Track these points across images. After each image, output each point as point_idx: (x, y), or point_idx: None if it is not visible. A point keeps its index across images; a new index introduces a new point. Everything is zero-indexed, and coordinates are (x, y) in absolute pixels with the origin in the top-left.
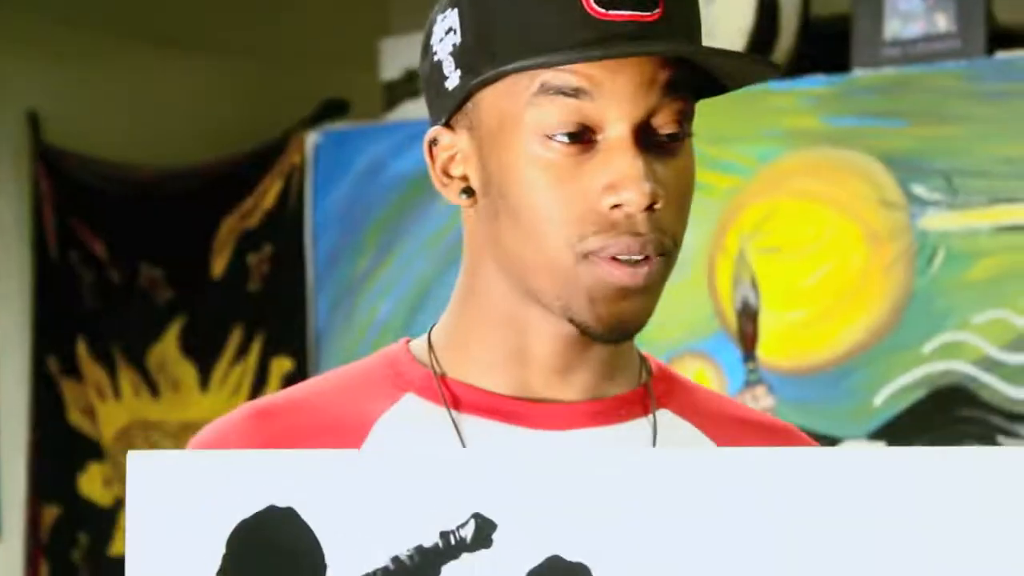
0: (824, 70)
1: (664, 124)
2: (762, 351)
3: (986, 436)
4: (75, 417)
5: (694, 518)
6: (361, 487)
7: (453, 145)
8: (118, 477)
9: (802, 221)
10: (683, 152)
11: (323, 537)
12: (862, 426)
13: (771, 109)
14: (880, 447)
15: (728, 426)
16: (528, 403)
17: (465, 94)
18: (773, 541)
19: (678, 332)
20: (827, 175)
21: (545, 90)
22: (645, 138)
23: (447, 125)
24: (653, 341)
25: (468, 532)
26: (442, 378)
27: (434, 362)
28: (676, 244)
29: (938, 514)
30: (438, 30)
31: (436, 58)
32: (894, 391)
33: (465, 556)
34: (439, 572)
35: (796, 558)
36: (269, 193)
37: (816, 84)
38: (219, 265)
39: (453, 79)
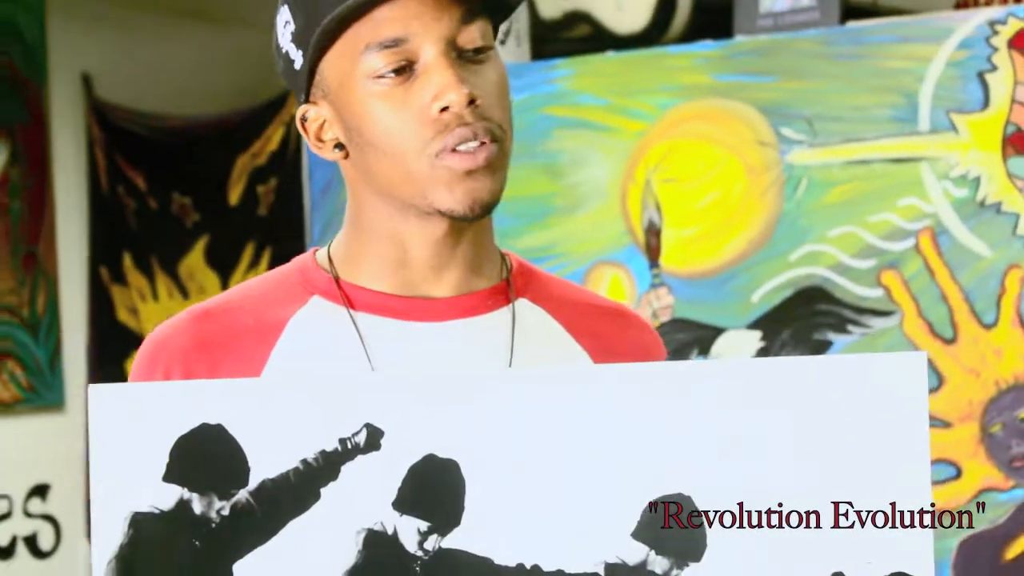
0: (712, 36)
1: (468, 42)
2: (664, 260)
3: (839, 326)
4: (122, 315)
5: (547, 423)
6: (276, 407)
7: (319, 116)
8: None
9: (695, 157)
10: (490, 61)
11: (246, 446)
12: (742, 319)
13: (670, 68)
14: (755, 334)
15: (573, 309)
16: (410, 300)
17: (310, 67)
18: (612, 439)
19: (598, 246)
20: (714, 120)
21: (369, 47)
22: (455, 55)
23: (308, 101)
24: (578, 252)
25: (361, 438)
26: (341, 283)
27: (334, 271)
28: (504, 131)
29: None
30: (279, 25)
31: (283, 50)
32: (767, 291)
33: (359, 458)
34: (339, 471)
35: (632, 453)
36: (273, 138)
37: (705, 48)
38: (235, 195)
39: (298, 60)
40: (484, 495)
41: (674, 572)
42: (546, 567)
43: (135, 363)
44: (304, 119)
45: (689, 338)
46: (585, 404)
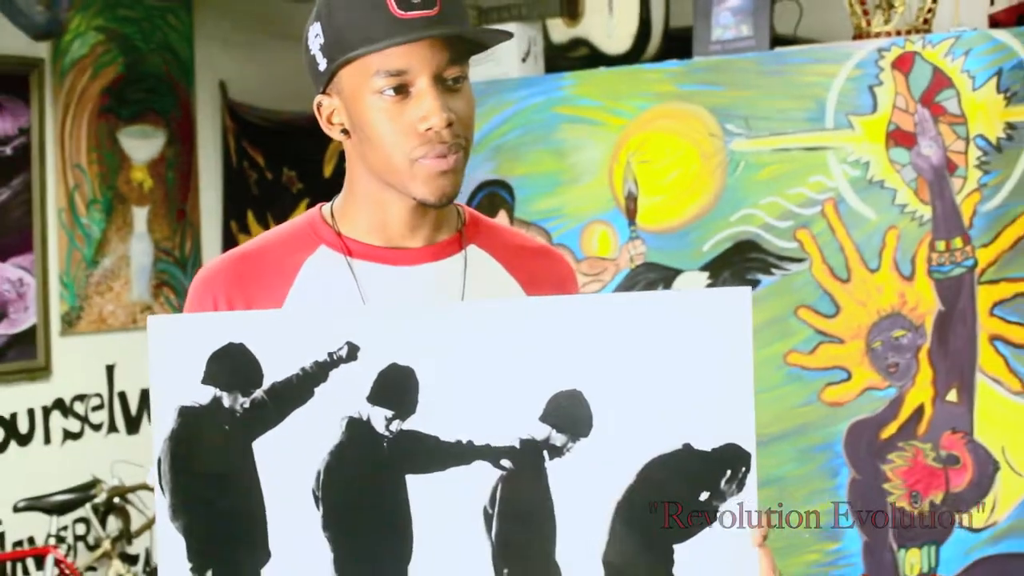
0: (677, 57)
1: (451, 75)
2: (639, 220)
3: (765, 269)
4: None
5: (480, 339)
6: (283, 330)
7: (331, 106)
8: None
9: (663, 145)
10: (464, 88)
11: (261, 358)
12: (696, 263)
13: (646, 80)
14: (704, 275)
15: (510, 251)
16: (392, 250)
17: (330, 74)
18: (526, 350)
19: (591, 209)
20: (677, 118)
21: (378, 72)
22: (440, 85)
23: (325, 93)
24: (577, 213)
25: (343, 352)
26: (340, 236)
27: (336, 225)
28: (468, 141)
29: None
30: (310, 35)
31: (312, 53)
32: (714, 242)
33: (342, 366)
34: (328, 375)
35: (541, 360)
36: None
37: (671, 65)
38: (328, 169)
39: (322, 64)
40: (433, 391)
41: (569, 444)
42: (477, 442)
43: (190, 292)
44: (320, 105)
45: (657, 277)
46: (509, 326)
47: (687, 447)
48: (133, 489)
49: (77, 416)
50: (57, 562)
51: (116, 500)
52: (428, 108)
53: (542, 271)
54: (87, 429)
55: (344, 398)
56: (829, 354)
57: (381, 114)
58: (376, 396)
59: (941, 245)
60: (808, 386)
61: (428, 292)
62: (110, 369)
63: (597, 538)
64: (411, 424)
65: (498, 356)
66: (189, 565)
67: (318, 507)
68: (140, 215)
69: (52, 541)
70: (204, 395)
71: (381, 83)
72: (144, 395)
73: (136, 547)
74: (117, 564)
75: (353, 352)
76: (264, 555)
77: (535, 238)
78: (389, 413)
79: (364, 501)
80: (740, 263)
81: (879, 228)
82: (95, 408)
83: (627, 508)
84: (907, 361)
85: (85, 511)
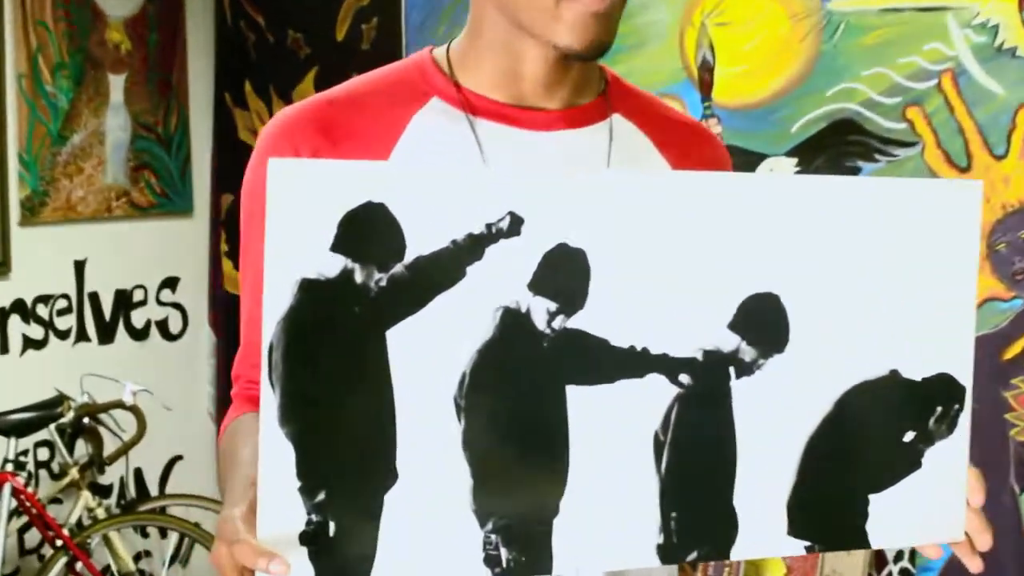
0: None
1: None
2: (715, 94)
3: (867, 154)
4: (243, 135)
5: (666, 224)
6: (434, 192)
7: None
8: None
9: (745, 4)
10: None
11: (405, 225)
12: (782, 147)
13: None
14: (791, 161)
15: (658, 123)
16: (523, 110)
17: None
18: (716, 241)
19: (659, 80)
20: None
21: None
22: None
23: None
24: (641, 85)
25: (504, 224)
26: (459, 88)
27: (453, 75)
28: None
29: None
30: None
31: None
32: (804, 122)
33: (501, 242)
34: (483, 252)
35: (731, 255)
36: None
37: None
38: (341, 31)
39: None
40: (605, 284)
41: (760, 361)
42: (653, 350)
43: (262, 141)
44: None
45: (735, 163)
46: (697, 209)
47: (894, 374)
48: (106, 408)
49: (40, 321)
50: (15, 492)
51: (86, 421)
52: None
53: (695, 153)
54: (51, 336)
55: (499, 283)
56: None
57: None
58: (539, 283)
59: None
60: None
61: (565, 165)
62: (79, 266)
63: (783, 479)
64: (577, 322)
65: (687, 245)
66: (298, 484)
67: (459, 419)
68: (116, 83)
69: (9, 468)
70: (332, 266)
71: None
72: (120, 297)
73: (109, 476)
74: (86, 496)
75: (516, 225)
76: (390, 476)
77: (685, 112)
78: (553, 306)
79: (514, 415)
80: (837, 147)
81: (1008, 106)
82: (61, 312)
83: (821, 444)
84: None
85: (49, 433)
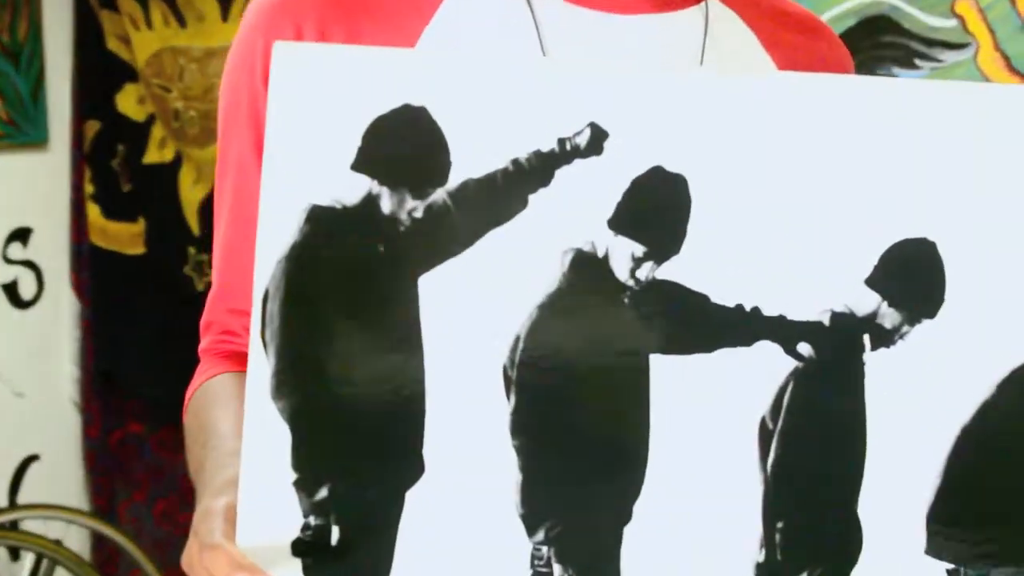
0: None
1: None
2: None
3: (905, 59)
4: (113, 44)
5: (791, 146)
6: (491, 93)
7: None
8: (151, 96)
9: None
10: None
11: (451, 137)
12: None
13: None
14: None
15: (763, 14)
16: None
17: None
18: (854, 169)
19: None
20: None
21: None
22: None
23: None
24: None
25: (583, 139)
26: None
27: None
28: None
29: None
30: None
31: None
32: (828, 19)
33: (577, 162)
34: (552, 175)
35: (874, 187)
36: None
37: None
38: None
39: None
40: (710, 222)
41: (904, 328)
42: (767, 311)
43: (254, 8)
44: None
45: None
46: (830, 127)
47: None
48: None
49: None
50: None
51: None
52: None
53: (807, 51)
54: None
55: (572, 217)
56: None
57: None
58: (624, 219)
59: None
60: None
61: (649, 55)
62: None
63: (924, 483)
64: (669, 271)
65: (814, 175)
66: (293, 476)
67: (509, 395)
68: None
69: None
70: (352, 190)
71: None
72: None
73: None
74: None
75: (598, 141)
76: (414, 468)
77: (799, 4)
78: (640, 249)
79: (581, 392)
80: (867, 50)
81: None
82: None
83: (976, 438)
84: None
85: None
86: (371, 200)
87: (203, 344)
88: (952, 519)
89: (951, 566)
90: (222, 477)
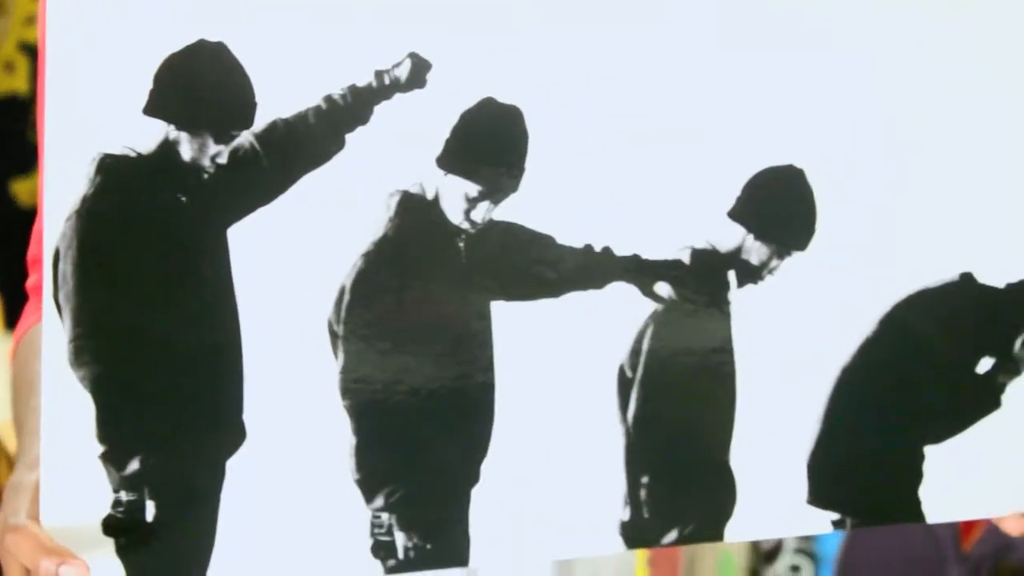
0: None
1: None
2: None
3: None
4: None
5: (638, 64)
6: (294, 24)
7: None
8: None
9: None
10: None
11: (254, 74)
12: None
13: None
14: None
15: None
16: None
17: None
18: (711, 90)
19: None
20: None
21: None
22: None
23: None
24: None
25: (402, 72)
26: None
27: None
28: None
29: None
30: None
31: None
32: None
33: (398, 96)
34: (371, 112)
35: (734, 110)
36: None
37: None
38: None
39: None
40: (550, 155)
41: (773, 263)
42: (619, 251)
43: None
44: None
45: None
46: (684, 41)
47: (966, 280)
48: None
49: None
50: None
51: None
52: None
53: None
54: None
55: (395, 157)
56: None
57: None
58: (454, 156)
59: None
60: None
61: None
62: None
63: (802, 428)
64: (508, 211)
65: (667, 96)
66: (99, 449)
67: (336, 352)
68: None
69: None
70: (147, 136)
71: None
72: None
73: None
74: None
75: (419, 73)
76: (234, 434)
77: None
78: (474, 189)
79: (416, 345)
80: None
81: None
82: None
83: (857, 379)
84: None
85: None
86: (168, 147)
87: (30, 281)
88: (835, 466)
89: (837, 516)
90: (38, 447)
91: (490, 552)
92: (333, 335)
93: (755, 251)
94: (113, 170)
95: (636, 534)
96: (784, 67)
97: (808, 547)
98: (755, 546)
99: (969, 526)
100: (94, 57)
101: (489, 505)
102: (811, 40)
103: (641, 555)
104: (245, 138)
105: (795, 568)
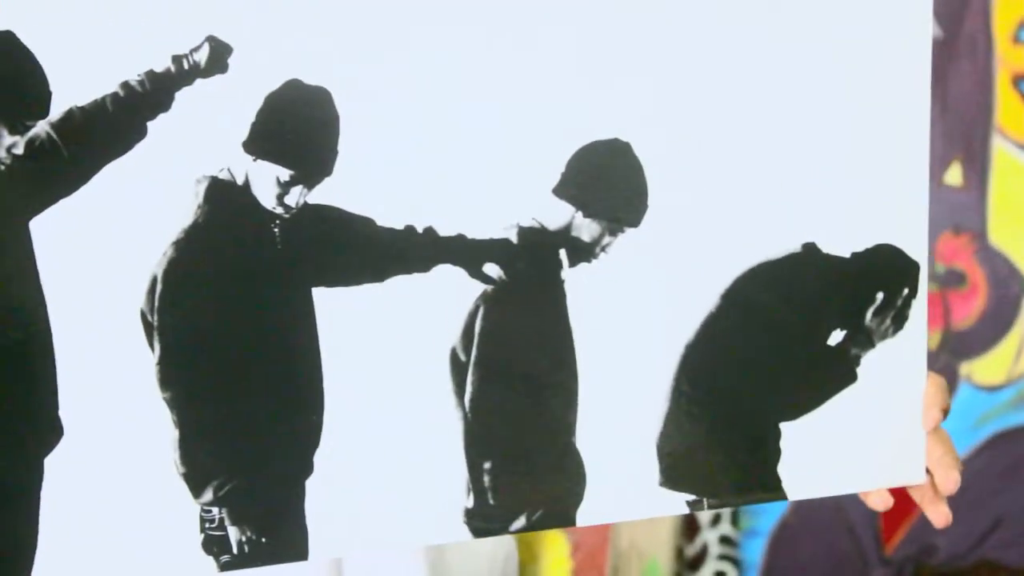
0: None
1: None
2: None
3: None
4: None
5: (454, 26)
6: (86, 6)
7: None
8: None
9: None
10: None
11: (46, 62)
12: None
13: None
14: None
15: None
16: None
17: None
18: (535, 55)
19: None
20: None
21: None
22: None
23: None
24: None
25: (201, 56)
26: None
27: None
28: None
29: None
30: None
31: None
32: None
33: (199, 82)
34: (172, 99)
35: (559, 80)
36: None
37: None
38: None
39: None
40: (365, 137)
41: (605, 240)
42: (443, 230)
43: None
44: None
45: None
46: (505, 8)
47: (810, 249)
48: None
49: None
50: None
51: None
52: None
53: None
54: None
55: (201, 143)
56: None
57: None
58: (261, 141)
59: None
60: None
61: None
62: None
63: (648, 409)
64: (323, 195)
65: (488, 64)
66: None
67: (152, 344)
68: None
69: None
70: None
71: None
72: None
73: None
74: None
75: (220, 56)
76: (50, 431)
77: None
78: (285, 173)
79: (234, 334)
80: None
81: None
82: None
83: (702, 356)
84: None
85: None
86: None
87: None
88: (684, 446)
89: (692, 497)
90: None
91: (329, 545)
92: (148, 326)
93: (586, 228)
94: None
95: (482, 522)
96: (609, 35)
97: (733, 553)
98: (680, 553)
99: (891, 528)
100: None
101: (325, 496)
102: (638, 5)
103: (533, 544)
104: (41, 128)
105: (720, 574)
